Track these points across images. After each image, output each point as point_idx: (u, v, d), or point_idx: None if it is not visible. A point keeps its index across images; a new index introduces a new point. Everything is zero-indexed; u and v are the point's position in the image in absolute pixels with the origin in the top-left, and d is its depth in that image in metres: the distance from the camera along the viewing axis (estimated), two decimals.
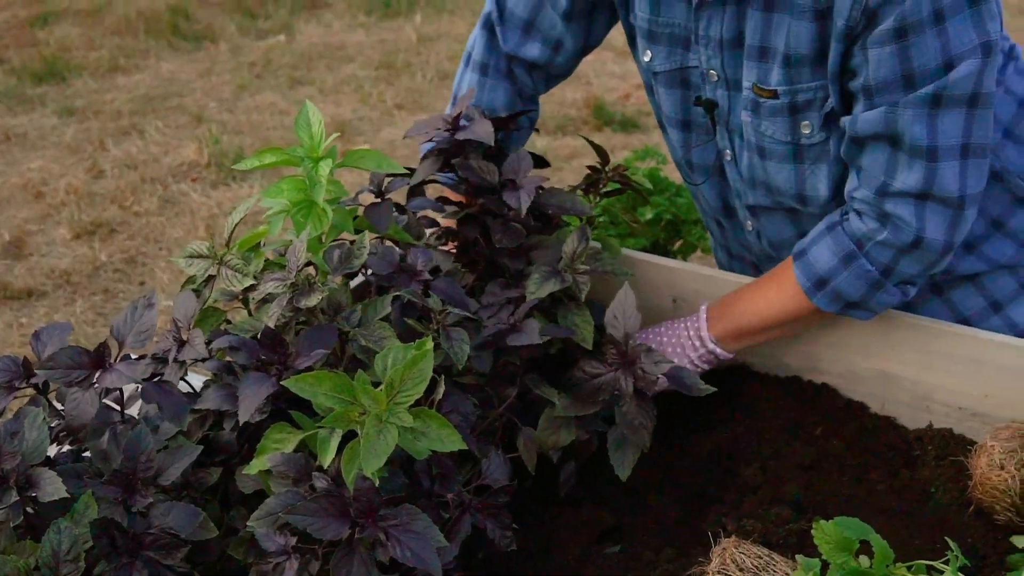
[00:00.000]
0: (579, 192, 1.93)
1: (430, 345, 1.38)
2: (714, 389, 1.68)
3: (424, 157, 1.89)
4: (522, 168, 1.84)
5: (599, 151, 1.92)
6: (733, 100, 1.89)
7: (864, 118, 1.69)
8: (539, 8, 2.02)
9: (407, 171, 1.84)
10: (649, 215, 2.66)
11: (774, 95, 1.79)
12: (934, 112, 1.64)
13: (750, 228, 2.08)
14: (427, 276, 1.64)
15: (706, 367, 1.91)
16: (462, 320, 1.60)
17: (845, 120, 1.73)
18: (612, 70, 5.47)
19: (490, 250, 1.86)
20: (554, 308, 1.78)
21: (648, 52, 1.94)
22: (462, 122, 1.86)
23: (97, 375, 1.44)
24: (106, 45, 5.84)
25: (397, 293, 1.61)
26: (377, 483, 1.35)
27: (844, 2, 1.62)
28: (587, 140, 1.96)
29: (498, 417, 1.68)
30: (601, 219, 2.60)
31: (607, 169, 1.92)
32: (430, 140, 1.87)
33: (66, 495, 1.31)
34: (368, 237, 1.63)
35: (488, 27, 2.09)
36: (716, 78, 1.87)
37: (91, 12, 6.32)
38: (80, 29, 6.10)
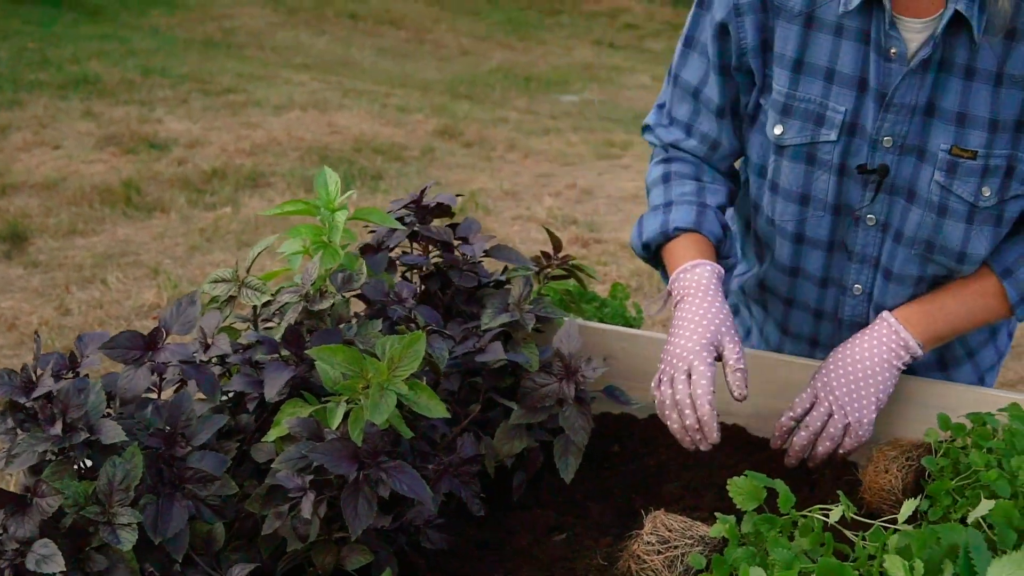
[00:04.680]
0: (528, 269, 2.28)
1: (422, 334, 1.71)
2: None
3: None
4: (472, 230, 2.22)
5: (553, 238, 2.27)
6: (903, 164, 2.07)
7: None
8: (696, 114, 2.27)
9: (402, 227, 2.16)
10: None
11: (973, 156, 2.00)
12: None
13: (858, 292, 2.27)
14: (412, 303, 1.97)
15: (904, 369, 2.12)
16: (441, 335, 1.93)
17: None
18: None
19: (448, 298, 2.20)
20: (506, 347, 2.07)
21: (780, 126, 2.12)
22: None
23: (150, 354, 1.74)
24: (64, 213, 6.18)
25: (387, 314, 1.94)
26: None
27: None
28: (546, 229, 2.29)
29: (462, 431, 1.98)
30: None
31: (556, 256, 2.27)
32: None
33: (125, 438, 1.57)
34: (365, 267, 1.97)
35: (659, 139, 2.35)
36: (890, 144, 2.05)
37: (47, 186, 6.67)
38: (38, 200, 6.43)
